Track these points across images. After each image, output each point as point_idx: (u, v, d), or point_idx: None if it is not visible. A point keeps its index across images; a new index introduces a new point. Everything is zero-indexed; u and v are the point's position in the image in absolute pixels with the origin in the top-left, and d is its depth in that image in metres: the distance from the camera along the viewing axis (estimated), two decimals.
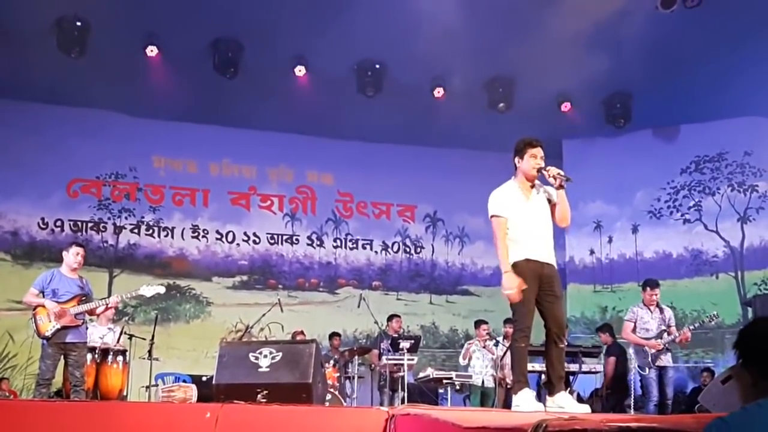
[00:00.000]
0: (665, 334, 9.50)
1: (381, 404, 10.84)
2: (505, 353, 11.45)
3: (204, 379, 10.14)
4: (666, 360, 9.51)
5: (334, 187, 15.36)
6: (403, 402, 10.01)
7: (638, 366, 9.59)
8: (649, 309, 9.70)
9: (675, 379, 9.89)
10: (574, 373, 10.17)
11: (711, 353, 13.06)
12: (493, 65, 12.24)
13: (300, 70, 12.42)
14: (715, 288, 13.52)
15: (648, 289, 9.79)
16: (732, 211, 13.69)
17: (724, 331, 11.15)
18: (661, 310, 9.74)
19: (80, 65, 11.57)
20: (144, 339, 10.33)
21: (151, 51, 11.86)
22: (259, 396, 6.88)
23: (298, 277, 14.92)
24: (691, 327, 9.86)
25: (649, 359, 9.45)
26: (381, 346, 11.43)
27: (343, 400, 10.32)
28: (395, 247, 15.53)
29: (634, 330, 9.66)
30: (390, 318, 12.34)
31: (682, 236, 14.03)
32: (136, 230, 14.20)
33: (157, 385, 10.38)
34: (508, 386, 11.46)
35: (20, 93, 12.91)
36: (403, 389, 10.65)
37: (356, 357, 11.33)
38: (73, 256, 8.36)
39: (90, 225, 13.95)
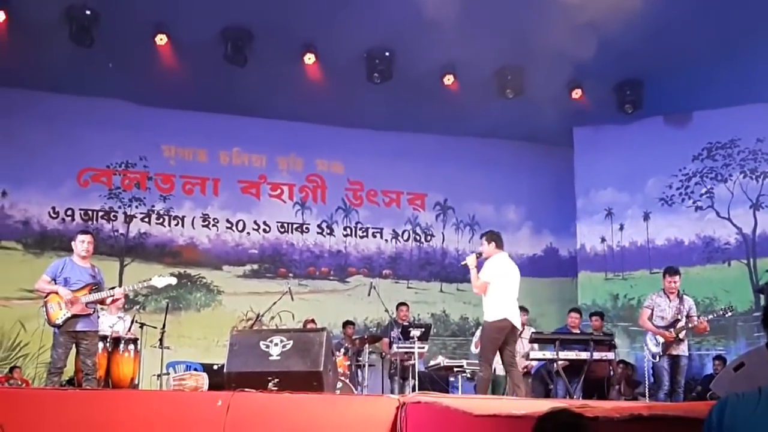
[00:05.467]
0: (679, 324, 9.47)
1: (392, 392, 10.86)
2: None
3: (215, 367, 10.17)
4: (681, 349, 9.48)
5: (344, 175, 15.33)
6: (413, 390, 10.01)
7: (651, 354, 9.58)
8: (668, 297, 9.67)
9: (688, 367, 9.87)
10: (584, 361, 10.17)
11: (723, 341, 13.01)
12: (504, 53, 12.17)
13: (310, 59, 12.37)
14: (727, 275, 13.44)
15: (667, 275, 9.78)
16: (744, 198, 13.60)
17: (737, 318, 11.11)
18: (681, 300, 9.69)
19: (90, 54, 11.56)
20: (155, 327, 10.36)
21: (161, 40, 11.83)
22: (270, 384, 6.90)
23: (309, 265, 14.92)
24: (709, 318, 9.85)
25: (660, 348, 9.43)
26: (391, 335, 11.44)
27: (354, 388, 10.33)
28: (405, 236, 15.51)
29: (650, 317, 9.64)
30: (397, 306, 12.34)
31: (694, 223, 13.95)
32: (146, 219, 14.21)
33: (168, 374, 10.41)
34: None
35: (30, 82, 12.92)
36: (413, 377, 10.66)
37: (367, 345, 11.33)
38: (80, 243, 8.38)
39: (101, 214, 13.97)
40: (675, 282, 9.71)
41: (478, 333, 11.99)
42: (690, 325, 9.51)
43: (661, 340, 9.43)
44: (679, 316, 9.53)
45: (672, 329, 9.46)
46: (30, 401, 5.87)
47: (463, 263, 8.78)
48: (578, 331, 11.43)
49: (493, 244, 8.72)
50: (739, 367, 9.01)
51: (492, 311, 8.44)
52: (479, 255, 8.70)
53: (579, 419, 2.74)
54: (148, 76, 12.56)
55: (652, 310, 9.69)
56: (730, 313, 10.31)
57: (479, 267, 8.66)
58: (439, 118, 14.18)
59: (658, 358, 9.45)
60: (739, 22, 11.18)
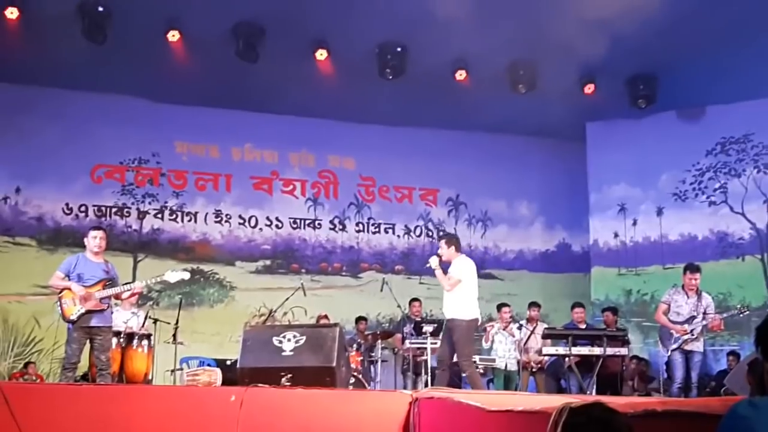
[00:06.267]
0: (695, 320, 9.44)
1: (404, 388, 10.87)
2: (528, 337, 11.46)
3: (228, 362, 10.19)
4: (696, 345, 9.44)
5: (356, 171, 15.34)
6: (426, 385, 10.01)
7: (663, 348, 9.55)
8: (686, 294, 9.63)
9: (701, 363, 9.83)
10: (598, 357, 10.14)
11: (737, 336, 12.92)
12: (516, 47, 12.13)
13: (321, 54, 12.37)
14: (741, 270, 13.38)
15: (688, 272, 9.73)
16: (758, 192, 13.52)
17: (751, 313, 11.03)
18: (700, 297, 9.64)
19: (102, 51, 11.59)
20: (168, 323, 10.38)
21: (173, 36, 11.85)
22: (283, 379, 6.92)
23: (321, 261, 14.93)
24: (724, 316, 9.81)
25: (673, 342, 9.41)
26: (404, 330, 11.44)
27: (366, 384, 10.34)
28: (418, 231, 15.50)
29: (667, 312, 9.61)
30: (410, 302, 12.35)
31: (708, 218, 13.88)
32: (159, 215, 14.26)
33: (182, 369, 10.44)
34: (533, 369, 11.50)
35: (43, 78, 12.95)
36: (426, 373, 10.65)
37: (380, 341, 11.34)
38: (92, 239, 8.40)
39: (114, 210, 14.02)
40: (695, 279, 9.66)
41: (493, 330, 11.95)
42: (704, 323, 9.48)
43: (675, 335, 9.41)
44: (695, 313, 9.49)
45: (687, 325, 9.43)
46: (44, 396, 5.89)
47: (427, 265, 9.07)
48: (584, 326, 11.42)
49: (453, 247, 9.04)
50: (754, 363, 8.98)
51: (466, 310, 8.76)
52: (440, 257, 8.99)
53: (613, 414, 2.70)
54: (161, 73, 12.59)
55: (669, 305, 9.66)
56: (745, 312, 10.25)
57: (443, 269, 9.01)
58: (452, 114, 14.15)
59: (671, 352, 9.42)
60: (753, 17, 11.11)
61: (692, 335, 9.42)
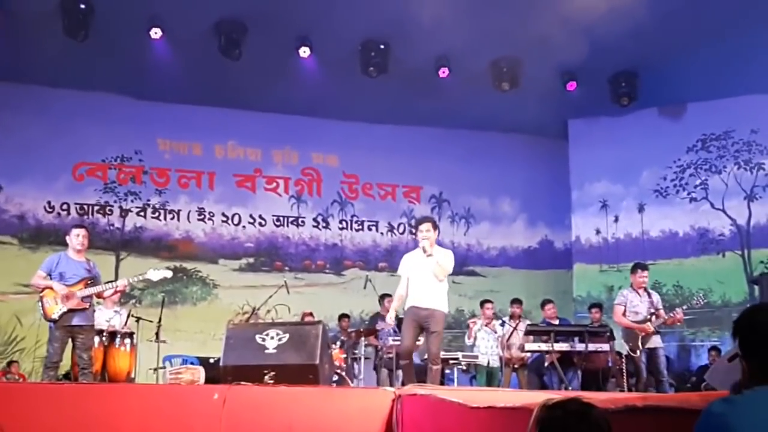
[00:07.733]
0: (654, 318, 9.55)
1: (377, 383, 10.87)
2: (511, 333, 11.49)
3: (211, 361, 10.16)
4: (656, 341, 9.55)
5: (340, 168, 15.34)
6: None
7: (629, 349, 9.63)
8: (638, 292, 9.75)
9: (683, 358, 9.93)
10: (580, 353, 10.19)
11: (718, 331, 13.04)
12: (499, 45, 12.17)
13: (304, 51, 12.37)
14: (721, 266, 13.49)
15: (639, 271, 9.87)
16: (738, 189, 13.63)
17: (731, 309, 11.14)
18: (649, 294, 9.81)
19: (84, 48, 11.54)
20: (151, 321, 10.38)
21: (155, 33, 11.82)
22: (266, 377, 6.91)
23: (304, 259, 14.93)
24: (685, 307, 9.93)
25: (639, 342, 9.49)
26: (376, 327, 11.40)
27: (350, 381, 10.35)
28: (401, 229, 15.52)
29: (624, 314, 9.70)
30: (382, 298, 12.08)
31: (689, 215, 13.99)
32: (142, 213, 14.21)
33: (164, 368, 10.42)
34: (515, 366, 11.54)
35: (25, 76, 12.89)
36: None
37: (363, 338, 11.34)
38: (74, 238, 8.37)
39: (96, 208, 13.96)
40: (646, 277, 9.84)
41: (476, 327, 11.93)
42: (660, 320, 9.59)
43: (641, 334, 9.49)
44: (653, 310, 9.62)
45: (648, 323, 9.53)
46: (26, 395, 5.88)
47: (427, 254, 8.03)
48: (557, 321, 11.49)
49: (438, 231, 8.32)
50: (734, 358, 9.03)
51: (445, 302, 8.22)
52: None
53: (590, 408, 2.72)
54: (143, 70, 12.55)
55: (625, 306, 9.75)
56: (701, 303, 10.38)
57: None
58: (435, 111, 14.17)
59: (637, 353, 9.50)
60: (733, 14, 11.19)
61: (657, 332, 9.55)
